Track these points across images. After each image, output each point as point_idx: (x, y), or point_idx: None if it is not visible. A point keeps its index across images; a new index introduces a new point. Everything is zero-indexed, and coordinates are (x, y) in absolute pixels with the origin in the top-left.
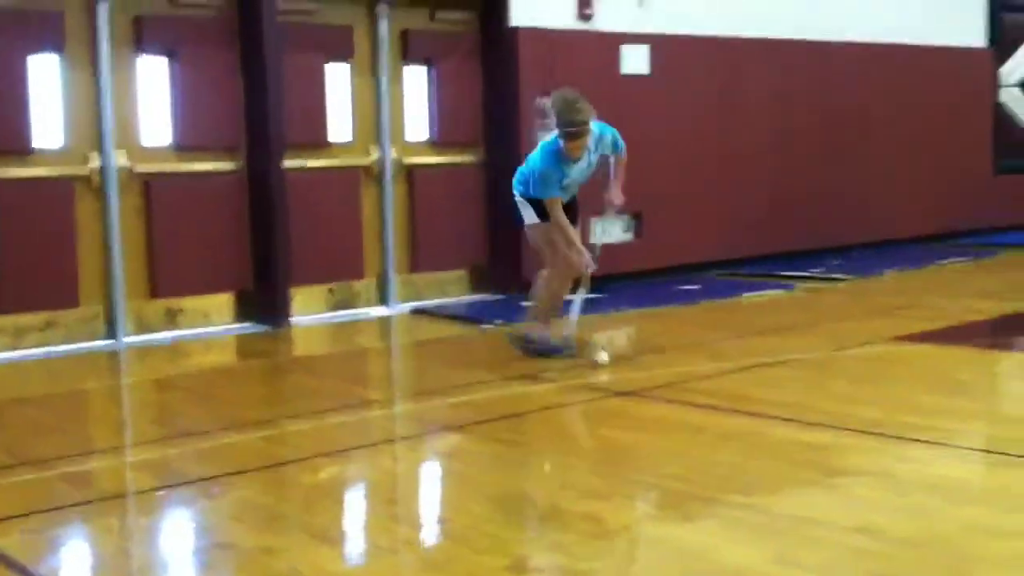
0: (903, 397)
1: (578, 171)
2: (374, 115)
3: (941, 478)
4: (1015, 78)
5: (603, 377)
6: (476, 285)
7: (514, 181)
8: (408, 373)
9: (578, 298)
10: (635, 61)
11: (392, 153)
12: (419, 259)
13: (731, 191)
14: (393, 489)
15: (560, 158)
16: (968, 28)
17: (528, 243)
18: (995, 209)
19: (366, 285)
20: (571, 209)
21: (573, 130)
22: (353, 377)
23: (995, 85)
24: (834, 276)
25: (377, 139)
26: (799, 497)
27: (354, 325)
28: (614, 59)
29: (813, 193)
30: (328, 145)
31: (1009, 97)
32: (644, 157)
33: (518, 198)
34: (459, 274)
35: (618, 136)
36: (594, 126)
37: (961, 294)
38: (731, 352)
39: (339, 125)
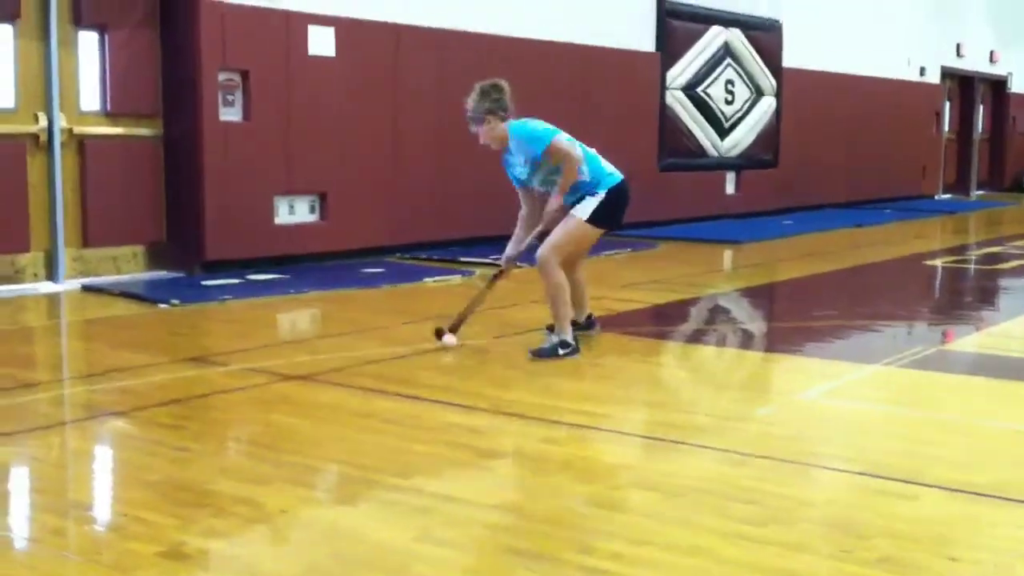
0: (552, 383)
1: (519, 168)
2: (42, 81)
3: (577, 458)
4: (680, 82)
5: (275, 361)
6: (154, 262)
7: None
8: (73, 354)
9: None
10: (322, 43)
11: (62, 122)
12: (91, 234)
13: (418, 176)
14: (45, 477)
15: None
16: (638, 33)
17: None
18: (658, 204)
19: (32, 259)
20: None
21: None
22: (13, 358)
23: (662, 88)
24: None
25: (45, 107)
26: (450, 478)
27: (18, 301)
28: (302, 39)
29: (492, 182)
30: None
31: (674, 100)
32: (330, 139)
33: None
34: (135, 250)
35: (538, 140)
36: (510, 126)
37: (613, 285)
38: (404, 336)
39: (2, 90)
